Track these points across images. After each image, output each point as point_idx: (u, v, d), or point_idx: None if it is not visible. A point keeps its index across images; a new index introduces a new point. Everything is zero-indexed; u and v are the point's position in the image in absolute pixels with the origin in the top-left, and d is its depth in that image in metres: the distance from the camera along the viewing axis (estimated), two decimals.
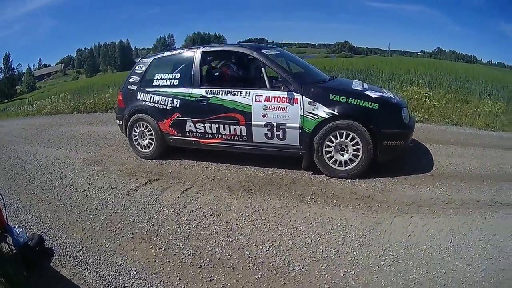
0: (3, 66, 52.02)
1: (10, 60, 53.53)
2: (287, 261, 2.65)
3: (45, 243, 2.92)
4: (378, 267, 2.52)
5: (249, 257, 2.72)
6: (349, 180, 3.72)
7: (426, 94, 7.92)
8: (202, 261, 2.70)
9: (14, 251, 2.67)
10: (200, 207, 3.43)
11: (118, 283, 2.54)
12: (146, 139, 4.80)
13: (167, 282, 2.52)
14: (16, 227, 2.85)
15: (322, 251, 2.72)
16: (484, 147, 4.94)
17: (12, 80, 53.53)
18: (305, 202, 3.37)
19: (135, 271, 2.65)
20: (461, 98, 8.00)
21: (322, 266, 2.57)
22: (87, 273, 2.68)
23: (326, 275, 2.49)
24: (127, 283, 2.54)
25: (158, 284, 2.50)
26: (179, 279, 2.55)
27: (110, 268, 2.71)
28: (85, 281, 2.59)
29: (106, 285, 2.53)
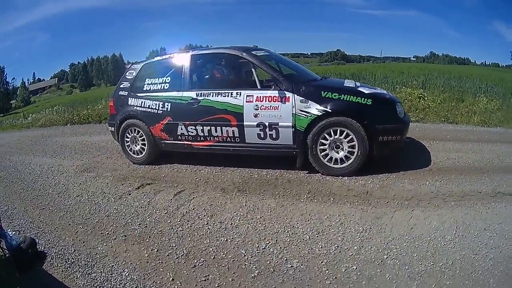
0: None
1: (5, 74, 53.40)
2: (285, 259, 2.56)
3: (38, 247, 2.90)
4: (382, 261, 2.43)
5: (244, 255, 2.63)
6: (346, 178, 3.65)
7: (420, 95, 7.85)
8: (196, 261, 2.62)
9: (7, 255, 2.66)
10: (194, 208, 3.35)
11: (109, 285, 2.47)
12: (138, 144, 4.73)
13: (160, 283, 2.44)
14: (9, 231, 2.85)
15: (321, 247, 2.63)
16: (482, 142, 4.90)
17: (7, 94, 53.41)
18: (302, 200, 3.30)
19: (127, 272, 2.58)
20: (456, 97, 7.92)
21: (322, 262, 2.49)
22: (79, 275, 2.62)
23: (327, 271, 2.40)
24: (119, 285, 2.46)
25: (151, 285, 2.43)
26: (172, 279, 2.46)
27: (102, 270, 2.64)
28: (76, 283, 2.53)
29: (98, 287, 2.46)
